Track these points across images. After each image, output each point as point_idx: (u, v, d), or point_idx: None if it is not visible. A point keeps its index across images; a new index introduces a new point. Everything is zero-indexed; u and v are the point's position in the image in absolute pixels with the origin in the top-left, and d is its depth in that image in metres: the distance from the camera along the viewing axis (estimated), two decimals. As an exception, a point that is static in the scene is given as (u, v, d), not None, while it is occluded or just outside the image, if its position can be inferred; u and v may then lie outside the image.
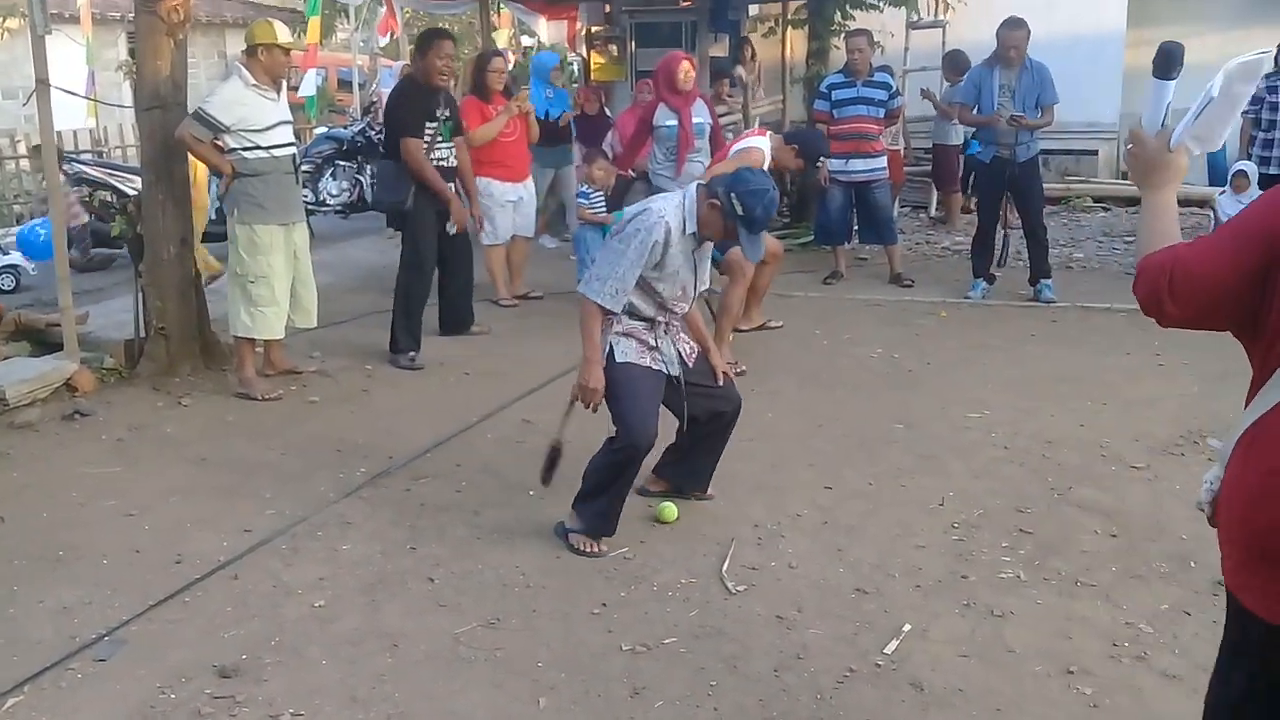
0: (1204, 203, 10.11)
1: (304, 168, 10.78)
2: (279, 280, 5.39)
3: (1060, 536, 3.72)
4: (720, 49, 11.05)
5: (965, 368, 5.70)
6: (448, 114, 6.01)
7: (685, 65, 6.87)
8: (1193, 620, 3.18)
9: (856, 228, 8.29)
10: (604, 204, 7.30)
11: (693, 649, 3.04)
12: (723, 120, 9.88)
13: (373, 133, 10.58)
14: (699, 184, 3.68)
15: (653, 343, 3.70)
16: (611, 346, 3.60)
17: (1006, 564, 3.54)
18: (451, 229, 6.25)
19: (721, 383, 3.84)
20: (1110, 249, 9.19)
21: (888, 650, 3.02)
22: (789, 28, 11.38)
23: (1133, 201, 11.45)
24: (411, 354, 5.88)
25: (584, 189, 7.37)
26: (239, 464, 4.46)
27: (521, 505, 4.03)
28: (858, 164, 7.66)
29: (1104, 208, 11.09)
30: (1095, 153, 11.73)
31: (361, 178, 10.86)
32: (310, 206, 10.61)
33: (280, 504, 4.03)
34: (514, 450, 4.62)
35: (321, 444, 4.67)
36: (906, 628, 3.13)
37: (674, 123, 7.08)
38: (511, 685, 2.86)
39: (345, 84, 16.32)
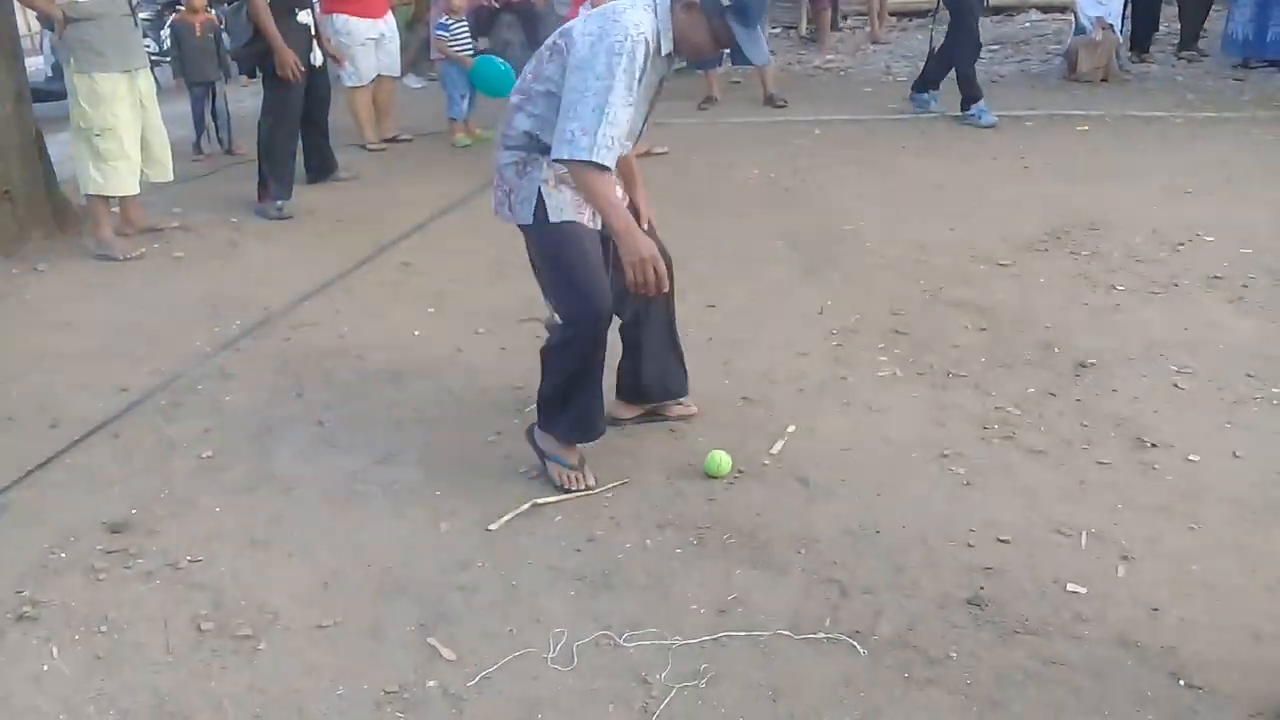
0: (1065, 8, 10.23)
1: (144, 15, 10.10)
2: (127, 131, 5.09)
3: (933, 334, 3.86)
4: None
5: (841, 183, 5.77)
6: None
7: None
8: (1056, 400, 3.37)
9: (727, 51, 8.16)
10: (468, 36, 7.02)
11: (589, 466, 3.11)
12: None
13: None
14: None
15: (616, 196, 2.84)
16: (542, 198, 2.79)
17: (883, 363, 3.67)
18: (316, 58, 5.94)
19: (649, 225, 3.06)
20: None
21: (774, 451, 3.13)
22: None
23: (997, 10, 11.53)
24: (280, 203, 5.67)
25: (443, 20, 7.04)
26: (106, 326, 4.29)
27: (408, 346, 4.00)
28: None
29: (970, 19, 11.12)
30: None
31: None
32: (154, 57, 9.97)
33: (155, 361, 3.92)
34: (395, 292, 4.55)
35: (192, 300, 4.53)
36: (791, 429, 3.25)
37: None
38: (412, 514, 2.89)
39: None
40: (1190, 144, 6.34)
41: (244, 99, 7.75)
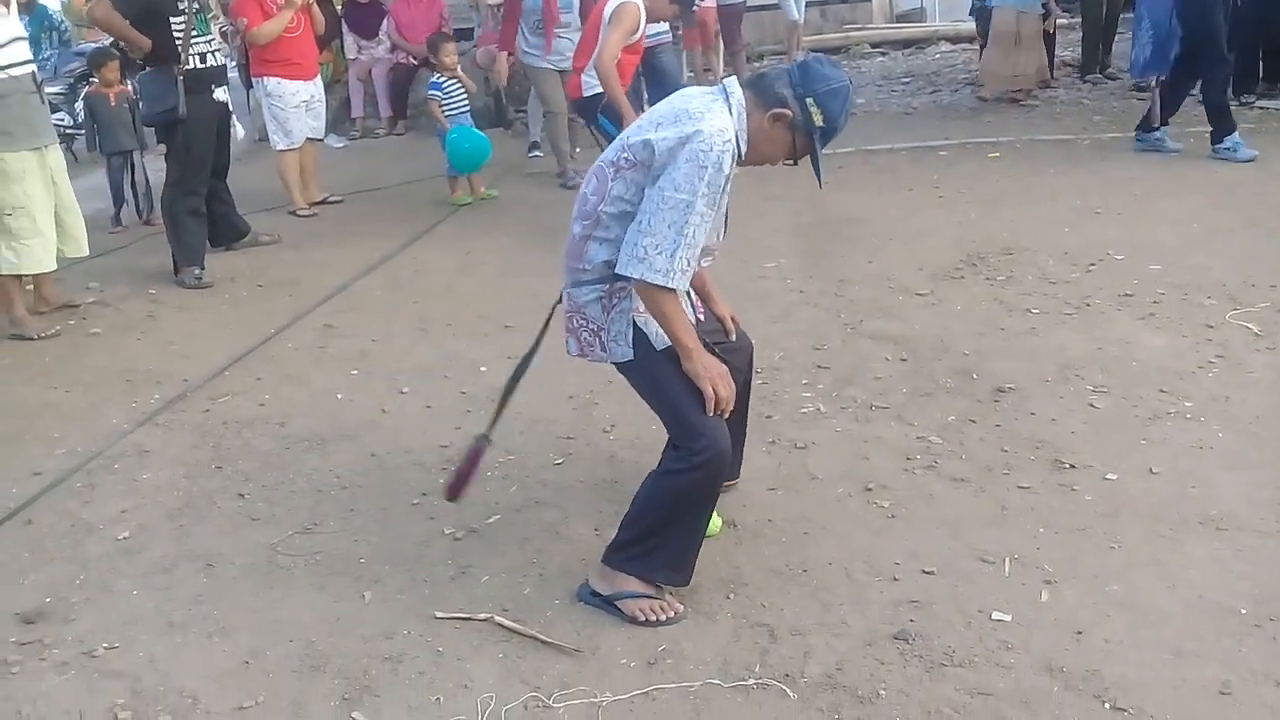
0: (973, 39, 10.49)
1: (56, 88, 9.97)
2: (40, 209, 4.99)
3: (855, 367, 3.90)
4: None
5: (760, 219, 5.83)
6: (196, 6, 5.60)
7: None
8: (976, 426, 3.41)
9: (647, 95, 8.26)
10: (463, 96, 6.94)
11: (515, 523, 3.08)
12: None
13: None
14: (743, 86, 2.52)
15: (687, 316, 2.59)
16: (639, 330, 2.54)
17: (807, 399, 3.70)
18: (237, 131, 5.93)
19: (735, 336, 2.90)
20: (889, 91, 9.47)
21: (701, 495, 3.13)
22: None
23: (908, 44, 11.82)
24: (198, 272, 5.59)
25: (436, 79, 6.97)
26: (19, 407, 4.18)
27: (329, 410, 3.95)
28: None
29: (881, 52, 11.39)
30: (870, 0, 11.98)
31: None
32: (68, 130, 9.86)
33: (70, 442, 3.83)
34: (317, 357, 4.50)
35: (109, 376, 4.43)
36: (717, 472, 3.24)
37: None
38: (334, 585, 2.84)
39: (92, -6, 15.08)
40: (1098, 165, 6.51)
41: (161, 169, 7.64)
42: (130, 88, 7.16)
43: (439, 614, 2.66)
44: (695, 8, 5.70)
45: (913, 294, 4.58)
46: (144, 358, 4.62)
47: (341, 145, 9.34)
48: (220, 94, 5.74)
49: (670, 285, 2.38)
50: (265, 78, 6.79)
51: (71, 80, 10.05)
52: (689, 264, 2.40)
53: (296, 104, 6.86)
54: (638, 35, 5.47)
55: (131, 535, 3.18)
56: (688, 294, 2.69)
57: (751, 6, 10.66)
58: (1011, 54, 8.31)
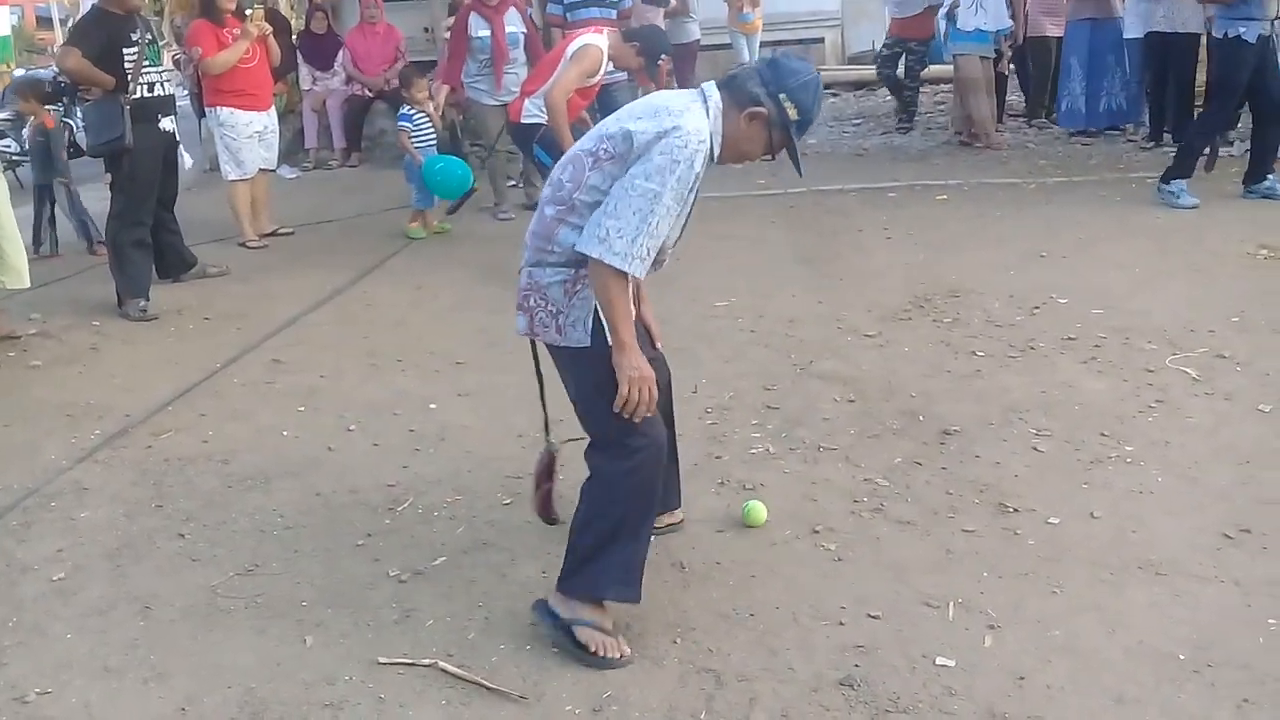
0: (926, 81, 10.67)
1: (3, 115, 9.86)
2: (-20, 238, 4.92)
3: (804, 408, 3.92)
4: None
5: (711, 259, 5.86)
6: (149, 37, 5.57)
7: None
8: (923, 469, 3.44)
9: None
10: (430, 129, 6.93)
11: (461, 565, 3.05)
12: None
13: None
14: (718, 87, 2.57)
15: (631, 308, 2.59)
16: (599, 319, 2.52)
17: (756, 440, 3.71)
18: (185, 161, 5.89)
19: (659, 346, 2.97)
20: (841, 133, 9.61)
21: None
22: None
23: (859, 85, 12.00)
24: (143, 304, 5.51)
25: (406, 111, 6.93)
26: (-46, 442, 4.09)
27: (275, 447, 3.90)
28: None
29: (833, 94, 11.55)
30: (821, 40, 12.16)
31: (71, 121, 9.99)
32: (16, 157, 9.73)
33: (7, 478, 3.74)
34: (264, 393, 4.45)
35: (48, 409, 4.34)
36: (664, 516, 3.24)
37: (486, 33, 6.85)
38: (275, 629, 2.79)
39: (45, 20, 14.93)
40: (1043, 208, 6.63)
41: (92, 200, 7.52)
42: (52, 119, 7.09)
43: (382, 659, 2.62)
44: (660, 62, 5.75)
45: (861, 335, 4.62)
46: (86, 391, 4.54)
47: (294, 176, 9.28)
48: (167, 124, 5.69)
49: (625, 269, 2.41)
50: (218, 108, 6.75)
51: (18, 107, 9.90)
52: (648, 253, 2.44)
53: (249, 134, 6.82)
54: (595, 79, 5.50)
55: (68, 575, 3.11)
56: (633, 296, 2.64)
57: (705, 46, 10.78)
58: (978, 98, 8.47)
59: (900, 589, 2.80)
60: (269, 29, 6.96)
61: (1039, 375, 4.10)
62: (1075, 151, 8.37)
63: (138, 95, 5.46)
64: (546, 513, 2.93)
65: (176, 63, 10.83)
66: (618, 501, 2.56)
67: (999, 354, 4.33)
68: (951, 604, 2.72)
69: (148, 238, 5.70)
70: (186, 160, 6.03)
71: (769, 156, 2.65)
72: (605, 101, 6.82)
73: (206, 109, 7.22)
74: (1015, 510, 3.15)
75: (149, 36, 5.57)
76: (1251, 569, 2.81)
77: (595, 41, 5.39)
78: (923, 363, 4.29)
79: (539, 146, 5.66)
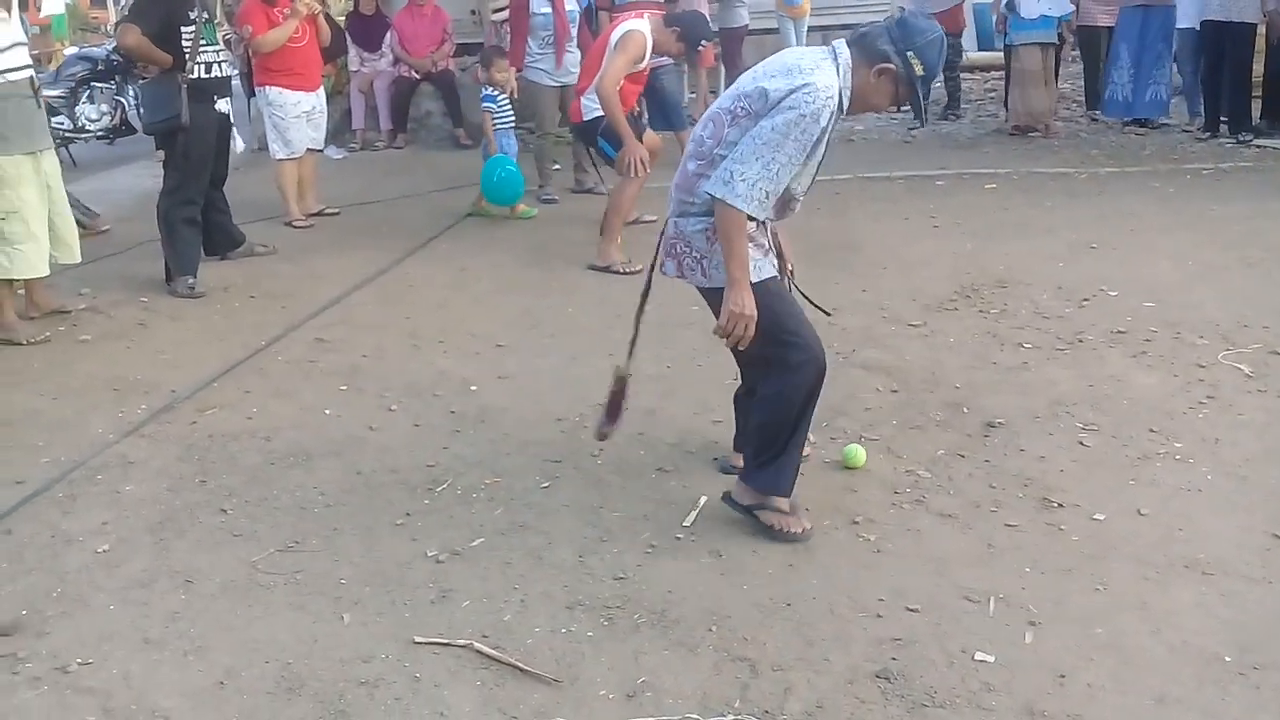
0: (973, 68, 10.52)
1: (58, 92, 9.98)
2: (33, 214, 4.97)
3: (846, 397, 3.88)
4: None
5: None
6: (206, 16, 5.62)
7: None
8: (965, 461, 3.40)
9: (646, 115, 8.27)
10: (510, 112, 6.96)
11: (498, 547, 3.06)
12: (501, 15, 9.66)
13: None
14: (848, 44, 2.83)
15: (766, 244, 2.97)
16: None
17: (797, 429, 3.67)
18: (237, 144, 5.95)
19: (791, 269, 3.25)
20: (888, 120, 9.49)
21: (686, 523, 3.11)
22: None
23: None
24: (190, 281, 5.58)
25: (488, 92, 6.95)
26: (4, 414, 4.15)
27: (317, 425, 3.92)
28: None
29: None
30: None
31: (123, 99, 10.13)
32: (69, 133, 9.87)
33: (54, 451, 3.80)
34: (307, 371, 4.48)
35: (97, 384, 4.40)
36: (703, 500, 3.23)
37: (548, 10, 6.86)
38: (314, 605, 2.81)
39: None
40: (1094, 199, 6.52)
41: (144, 177, 7.58)
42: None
43: (418, 638, 2.63)
44: (701, 48, 5.74)
45: (905, 324, 4.57)
46: (133, 367, 4.60)
47: (340, 157, 9.34)
48: (222, 105, 5.74)
49: (745, 209, 2.72)
50: (267, 87, 6.81)
51: (72, 84, 10.05)
52: (767, 196, 2.74)
53: (297, 114, 6.86)
54: (642, 65, 5.47)
55: (111, 548, 3.15)
56: (773, 238, 3.05)
57: (753, 30, 10.70)
58: (1038, 89, 8.34)
59: (940, 582, 2.77)
60: (319, 8, 7.00)
61: (1087, 369, 4.03)
62: (1128, 141, 8.21)
63: (195, 75, 5.51)
64: (606, 430, 3.29)
65: (227, 42, 10.94)
66: (784, 412, 2.90)
67: (1046, 346, 4.26)
68: (992, 599, 2.68)
69: (198, 216, 5.76)
70: (239, 143, 6.07)
71: (894, 109, 2.92)
72: (652, 86, 6.80)
73: (256, 88, 7.28)
74: (1060, 505, 3.10)
75: (205, 16, 5.61)
76: (1303, 571, 2.74)
77: (638, 27, 5.38)
78: (968, 354, 4.23)
79: (602, 140, 5.67)
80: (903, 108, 2.92)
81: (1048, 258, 5.35)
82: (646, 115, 8.19)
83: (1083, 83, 9.57)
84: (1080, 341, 4.29)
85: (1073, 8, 8.47)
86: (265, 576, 2.96)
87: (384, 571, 2.95)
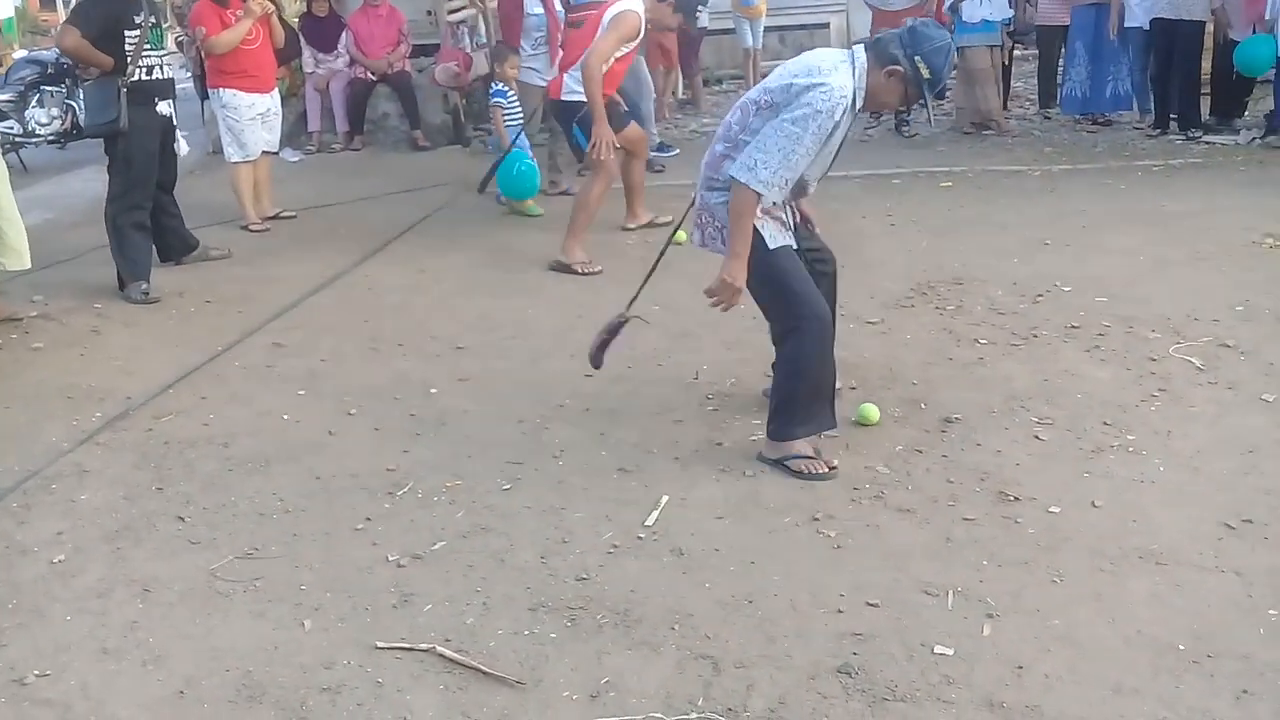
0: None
1: (7, 96, 9.83)
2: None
3: (805, 395, 3.91)
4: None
5: (715, 245, 5.85)
6: (153, 20, 5.55)
7: None
8: (923, 457, 3.43)
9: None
10: (519, 107, 6.91)
11: (460, 550, 3.05)
12: (458, 16, 9.63)
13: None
14: (865, 48, 3.18)
15: (786, 220, 3.36)
16: (757, 230, 3.20)
17: (757, 427, 3.68)
18: (181, 148, 5.89)
19: (817, 229, 3.60)
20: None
21: (648, 523, 3.12)
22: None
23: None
24: (143, 286, 5.50)
25: (499, 88, 6.90)
26: (-45, 424, 4.09)
27: (275, 431, 3.89)
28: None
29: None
30: (827, 25, 12.09)
31: (74, 103, 9.95)
32: (18, 138, 9.73)
33: (8, 460, 3.74)
34: (264, 376, 4.44)
35: (50, 392, 4.34)
36: (665, 499, 3.24)
37: (540, 10, 6.83)
38: (273, 612, 2.79)
39: (49, 1, 14.89)
40: (1047, 196, 6.60)
41: (94, 182, 7.46)
42: None
43: (380, 644, 2.62)
44: (699, 11, 5.71)
45: (864, 322, 4.60)
46: (87, 374, 4.53)
47: (297, 160, 9.25)
48: (164, 107, 5.66)
49: (763, 193, 3.09)
50: (221, 89, 6.73)
51: (22, 88, 9.89)
52: (785, 181, 3.10)
53: (252, 116, 6.79)
54: (634, 44, 5.44)
55: (67, 558, 3.11)
56: (794, 212, 3.41)
57: (710, 31, 10.72)
58: (987, 88, 8.45)
59: (899, 577, 2.79)
60: (272, 8, 6.94)
61: (1042, 363, 4.09)
62: (1080, 139, 8.33)
63: (136, 78, 5.44)
64: (597, 359, 3.69)
65: (179, 44, 10.81)
66: (796, 365, 3.27)
67: (1002, 342, 4.31)
68: (951, 592, 2.71)
69: (147, 220, 5.68)
70: (183, 147, 6.00)
71: (904, 109, 3.27)
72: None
73: (209, 91, 7.19)
74: (1016, 499, 3.14)
75: (153, 19, 5.54)
76: (1252, 559, 2.80)
77: (632, 6, 5.34)
78: (925, 350, 4.27)
79: (578, 127, 5.57)
80: (913, 107, 3.30)
81: (1002, 254, 5.41)
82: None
83: (1036, 81, 9.68)
84: (1035, 337, 4.35)
85: (1012, 12, 8.59)
86: (224, 584, 2.93)
87: (344, 577, 2.93)
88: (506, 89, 6.86)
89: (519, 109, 6.93)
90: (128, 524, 3.29)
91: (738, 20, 11.05)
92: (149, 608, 2.85)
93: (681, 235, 3.87)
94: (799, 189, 3.31)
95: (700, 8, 5.75)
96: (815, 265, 3.47)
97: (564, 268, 5.56)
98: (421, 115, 9.48)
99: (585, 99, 5.35)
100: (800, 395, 3.31)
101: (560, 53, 6.82)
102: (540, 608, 2.74)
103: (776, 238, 3.27)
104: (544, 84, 6.98)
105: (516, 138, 6.74)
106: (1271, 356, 4.02)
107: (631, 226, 6.22)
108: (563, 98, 5.63)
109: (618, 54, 5.34)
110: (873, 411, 3.64)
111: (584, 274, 5.47)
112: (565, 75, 5.60)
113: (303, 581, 2.92)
